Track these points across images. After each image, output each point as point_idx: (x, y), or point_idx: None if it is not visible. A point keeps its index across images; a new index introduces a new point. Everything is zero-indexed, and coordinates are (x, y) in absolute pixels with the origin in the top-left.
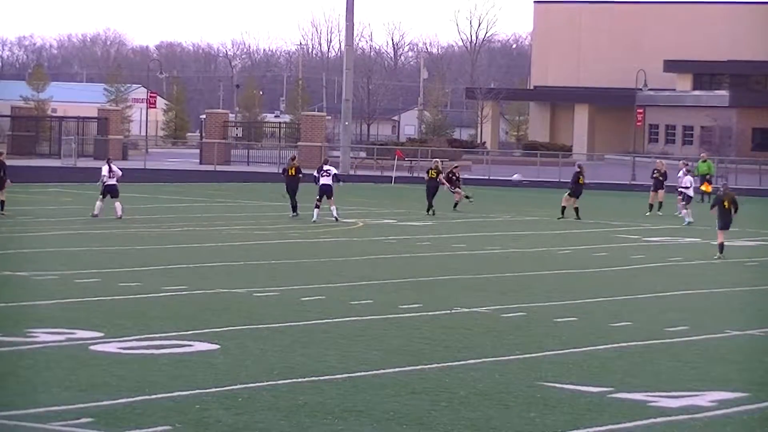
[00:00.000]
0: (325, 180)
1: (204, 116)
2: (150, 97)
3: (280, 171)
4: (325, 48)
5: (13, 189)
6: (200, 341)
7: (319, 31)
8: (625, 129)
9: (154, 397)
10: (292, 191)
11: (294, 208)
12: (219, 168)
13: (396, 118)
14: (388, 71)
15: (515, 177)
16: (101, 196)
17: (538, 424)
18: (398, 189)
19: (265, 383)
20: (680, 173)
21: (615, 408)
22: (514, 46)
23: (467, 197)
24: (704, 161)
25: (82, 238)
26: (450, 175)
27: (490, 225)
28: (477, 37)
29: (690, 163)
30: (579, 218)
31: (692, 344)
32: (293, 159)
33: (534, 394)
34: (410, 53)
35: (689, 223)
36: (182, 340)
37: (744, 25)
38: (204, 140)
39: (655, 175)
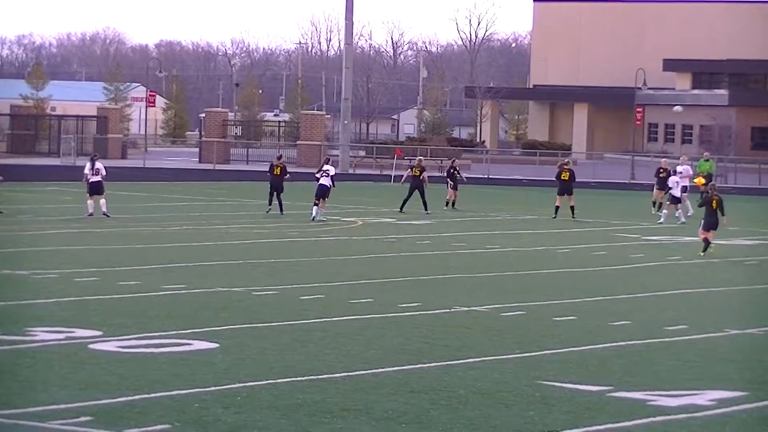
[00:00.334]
0: (323, 180)
1: (203, 115)
2: (149, 95)
3: (267, 170)
4: (324, 47)
5: (13, 187)
6: (199, 340)
7: (318, 30)
8: (625, 128)
9: (153, 395)
10: (276, 190)
11: (280, 208)
12: (218, 167)
13: (395, 117)
14: (387, 70)
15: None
16: (88, 195)
17: (538, 423)
18: (397, 188)
19: (265, 382)
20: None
21: (614, 407)
22: (514, 45)
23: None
24: (706, 160)
25: (82, 237)
26: (451, 171)
27: (489, 224)
28: (476, 36)
29: (691, 163)
30: (574, 217)
31: (691, 343)
32: (279, 158)
33: (533, 392)
34: (409, 52)
35: (663, 222)
36: (181, 339)
37: (743, 24)
38: (203, 139)
39: (661, 174)
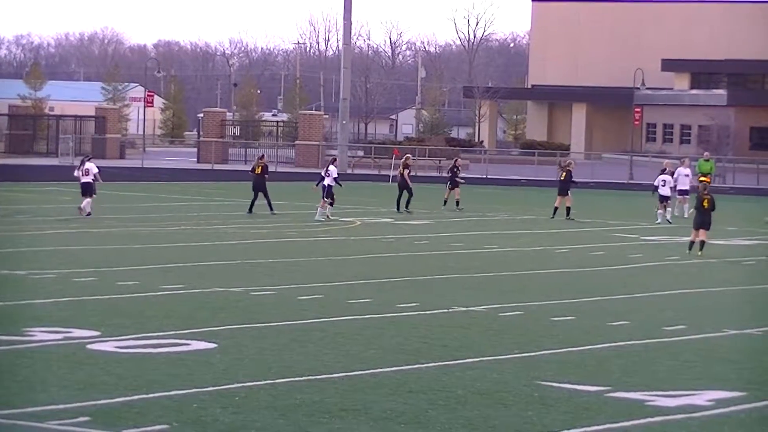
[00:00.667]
0: (327, 180)
1: (201, 115)
2: (147, 95)
3: (249, 170)
4: (322, 47)
5: (11, 188)
6: (198, 340)
7: (316, 30)
8: (623, 128)
9: (151, 396)
10: (258, 190)
11: (269, 207)
12: (216, 167)
13: (394, 117)
14: (385, 70)
15: None
16: (82, 195)
17: (536, 423)
18: (396, 188)
19: (263, 382)
20: (677, 172)
21: (612, 407)
22: (512, 45)
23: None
24: (707, 160)
25: (80, 237)
26: (454, 169)
27: (487, 224)
28: (475, 36)
29: (688, 162)
30: (568, 217)
31: (690, 343)
32: (261, 157)
33: (532, 393)
34: (408, 52)
35: (660, 222)
36: (180, 339)
37: (742, 23)
38: (201, 139)
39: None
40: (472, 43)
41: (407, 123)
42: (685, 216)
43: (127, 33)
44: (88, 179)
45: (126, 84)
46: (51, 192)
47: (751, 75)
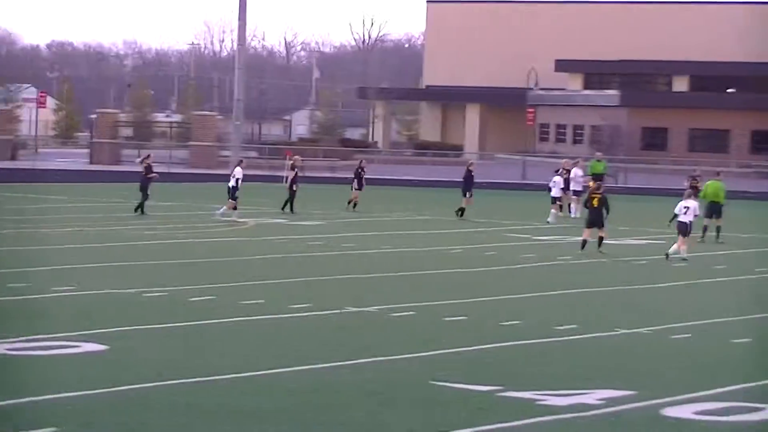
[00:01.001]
0: (232, 182)
1: (94, 116)
2: (40, 96)
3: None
4: (217, 47)
5: None
6: (88, 342)
7: (211, 31)
8: (516, 128)
9: (40, 398)
10: (142, 189)
11: (140, 207)
12: (109, 168)
13: (288, 117)
14: (280, 71)
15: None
16: None
17: (428, 424)
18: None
19: (153, 384)
20: (572, 172)
21: (504, 406)
22: (407, 45)
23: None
24: (599, 161)
25: None
26: (359, 171)
27: (381, 224)
28: (369, 37)
29: (581, 163)
30: (461, 217)
31: (582, 342)
32: (147, 157)
33: (424, 393)
34: (302, 53)
35: (552, 222)
36: (70, 341)
37: (634, 24)
38: (94, 140)
39: (564, 176)
40: (367, 43)
41: (301, 124)
42: (577, 216)
43: (19, 33)
44: None
45: (18, 85)
46: None
47: (644, 76)
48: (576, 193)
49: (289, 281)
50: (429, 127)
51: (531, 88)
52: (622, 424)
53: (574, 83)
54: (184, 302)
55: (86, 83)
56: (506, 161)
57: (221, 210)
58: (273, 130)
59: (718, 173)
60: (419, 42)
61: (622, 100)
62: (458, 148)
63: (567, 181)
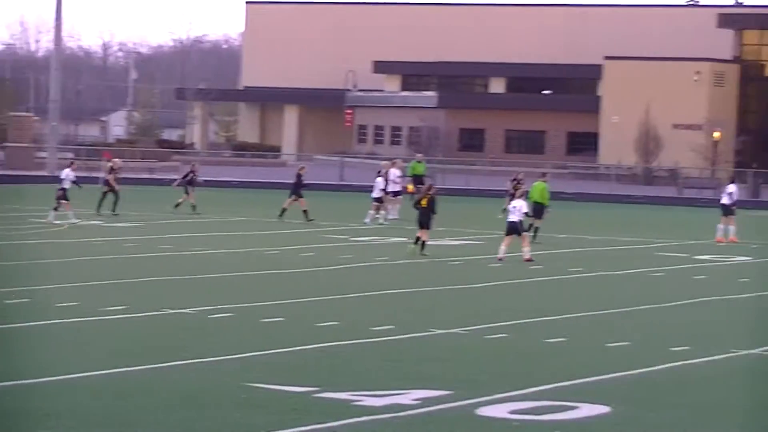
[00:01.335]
0: (64, 184)
1: None
2: None
3: None
4: (33, 47)
5: None
6: None
7: (27, 30)
8: (335, 129)
9: None
10: None
11: None
12: None
13: (105, 118)
14: (97, 71)
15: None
16: None
17: (243, 425)
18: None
19: None
20: (390, 173)
21: (320, 407)
22: (225, 46)
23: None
24: (419, 162)
25: None
26: (190, 174)
27: (199, 226)
28: (188, 37)
29: (400, 164)
30: (309, 219)
31: (398, 343)
32: None
33: (240, 394)
34: (120, 53)
35: (369, 223)
36: None
37: (451, 25)
38: None
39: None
40: (185, 44)
41: (118, 125)
42: (396, 217)
43: None
44: None
45: None
46: None
47: (461, 77)
48: (394, 194)
49: (105, 283)
50: (247, 128)
51: (349, 90)
52: (438, 424)
53: (391, 85)
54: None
55: None
56: (324, 162)
57: (52, 214)
58: (90, 131)
59: (543, 175)
60: (237, 43)
61: (440, 101)
62: (277, 149)
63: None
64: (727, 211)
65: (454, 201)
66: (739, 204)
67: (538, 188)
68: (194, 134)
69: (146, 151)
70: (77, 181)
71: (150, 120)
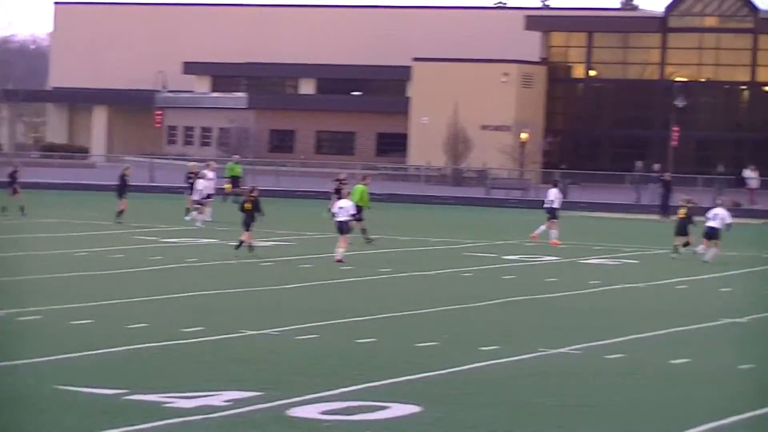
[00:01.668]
0: None
1: None
2: None
3: None
4: None
5: None
6: None
7: None
8: (145, 131)
9: None
10: None
11: None
12: None
13: None
14: None
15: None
16: None
17: (53, 428)
18: None
19: None
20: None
21: (130, 410)
22: (33, 46)
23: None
24: (236, 163)
25: None
26: (13, 173)
27: (5, 228)
28: None
29: (213, 166)
30: (118, 221)
31: (208, 344)
32: None
33: (49, 398)
34: None
35: (190, 221)
36: None
37: (262, 27)
38: None
39: (190, 180)
40: None
41: None
42: (208, 219)
43: None
44: None
45: None
46: None
47: (271, 78)
48: (207, 196)
49: None
50: (56, 129)
51: (159, 91)
52: (248, 425)
53: (201, 86)
54: None
55: None
56: (134, 163)
57: None
58: None
59: (364, 178)
60: (46, 43)
61: (250, 102)
62: (85, 151)
63: (193, 185)
64: (551, 214)
65: (265, 202)
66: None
67: (358, 191)
68: (1, 135)
69: None
70: None
71: None
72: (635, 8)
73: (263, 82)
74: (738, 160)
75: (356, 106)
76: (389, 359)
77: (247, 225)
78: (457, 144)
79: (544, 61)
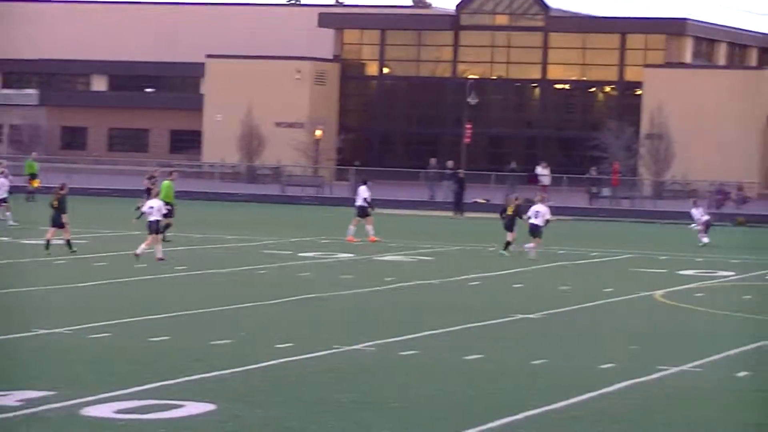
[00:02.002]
0: None
1: None
2: None
3: None
4: None
5: None
6: None
7: None
8: None
9: None
10: None
11: None
12: None
13: None
14: None
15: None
16: None
17: None
18: None
19: None
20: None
21: None
22: None
23: None
24: (34, 161)
25: None
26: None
27: None
28: None
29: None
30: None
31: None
32: None
33: None
34: None
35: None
36: None
37: (53, 22)
38: None
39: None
40: None
41: None
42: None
43: None
44: None
45: None
46: None
47: (63, 75)
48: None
49: None
50: None
51: None
52: (42, 425)
53: None
54: None
55: None
56: None
57: None
58: None
59: (170, 173)
60: None
61: (41, 99)
62: None
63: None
64: (362, 212)
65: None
66: (338, 202)
67: (165, 186)
68: None
69: None
70: None
71: None
72: (428, 6)
73: (54, 79)
74: (530, 157)
75: (149, 103)
76: (183, 357)
77: (55, 222)
78: (252, 141)
79: (337, 59)
